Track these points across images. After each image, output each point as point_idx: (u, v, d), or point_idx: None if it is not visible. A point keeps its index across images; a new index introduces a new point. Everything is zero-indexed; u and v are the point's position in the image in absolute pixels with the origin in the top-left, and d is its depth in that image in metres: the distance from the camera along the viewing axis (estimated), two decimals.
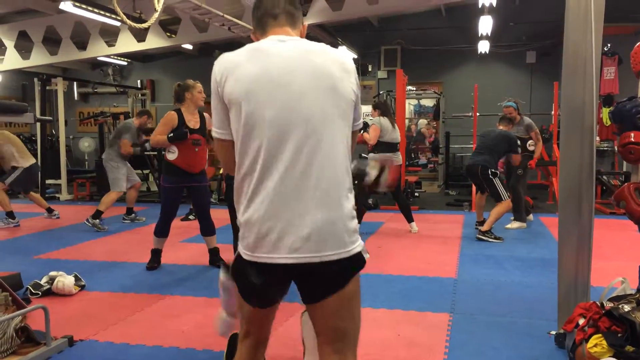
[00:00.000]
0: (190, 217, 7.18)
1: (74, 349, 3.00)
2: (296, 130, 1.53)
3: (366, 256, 1.67)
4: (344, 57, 1.66)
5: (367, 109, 8.19)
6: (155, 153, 9.26)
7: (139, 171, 9.76)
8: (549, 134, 9.65)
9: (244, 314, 1.76)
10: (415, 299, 3.81)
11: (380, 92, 11.35)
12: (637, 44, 2.89)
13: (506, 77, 11.48)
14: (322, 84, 1.57)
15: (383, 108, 6.21)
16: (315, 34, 9.61)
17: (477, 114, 9.25)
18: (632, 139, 2.83)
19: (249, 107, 1.55)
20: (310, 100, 1.55)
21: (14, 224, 6.87)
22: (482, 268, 4.69)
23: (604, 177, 8.47)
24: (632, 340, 2.47)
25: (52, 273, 4.05)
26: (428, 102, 12.45)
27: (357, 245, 1.61)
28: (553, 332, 3.02)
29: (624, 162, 8.35)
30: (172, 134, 4.40)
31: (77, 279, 4.10)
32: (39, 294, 3.91)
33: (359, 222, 5.75)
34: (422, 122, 12.46)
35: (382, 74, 12.17)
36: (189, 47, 10.66)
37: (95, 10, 7.63)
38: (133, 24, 5.89)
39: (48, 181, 9.83)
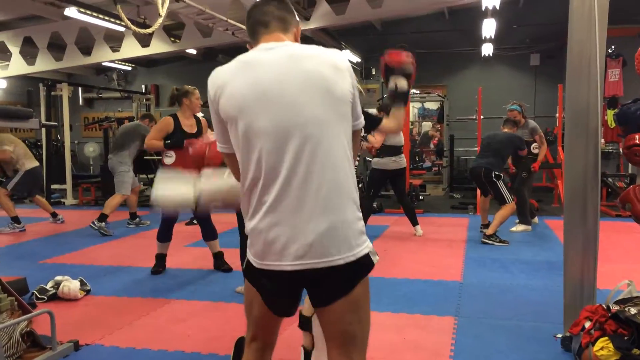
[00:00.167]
0: (195, 221, 7.17)
1: (79, 354, 3.01)
2: (293, 138, 1.53)
3: (375, 259, 1.63)
4: (335, 57, 1.62)
5: (371, 111, 8.17)
6: (161, 157, 9.26)
7: (144, 176, 9.81)
8: (553, 136, 9.61)
9: (252, 318, 1.76)
10: (421, 303, 3.80)
11: (384, 95, 11.34)
12: None
13: (510, 80, 11.46)
14: (314, 89, 1.56)
15: (388, 111, 6.20)
16: (318, 38, 9.62)
17: (481, 116, 9.24)
18: (637, 141, 2.82)
19: (244, 121, 1.56)
20: (303, 107, 1.54)
21: (20, 229, 6.89)
22: (487, 271, 4.68)
23: (609, 179, 8.45)
24: (638, 343, 2.47)
25: (58, 278, 4.07)
26: (432, 105, 12.43)
27: (365, 247, 1.60)
28: (559, 335, 3.00)
29: (629, 165, 8.34)
30: (169, 141, 4.42)
31: (82, 283, 4.12)
32: (44, 298, 3.92)
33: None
34: (427, 124, 12.43)
35: None
36: (193, 52, 10.69)
37: (100, 16, 7.66)
38: (137, 29, 5.93)
39: (53, 186, 9.87)
